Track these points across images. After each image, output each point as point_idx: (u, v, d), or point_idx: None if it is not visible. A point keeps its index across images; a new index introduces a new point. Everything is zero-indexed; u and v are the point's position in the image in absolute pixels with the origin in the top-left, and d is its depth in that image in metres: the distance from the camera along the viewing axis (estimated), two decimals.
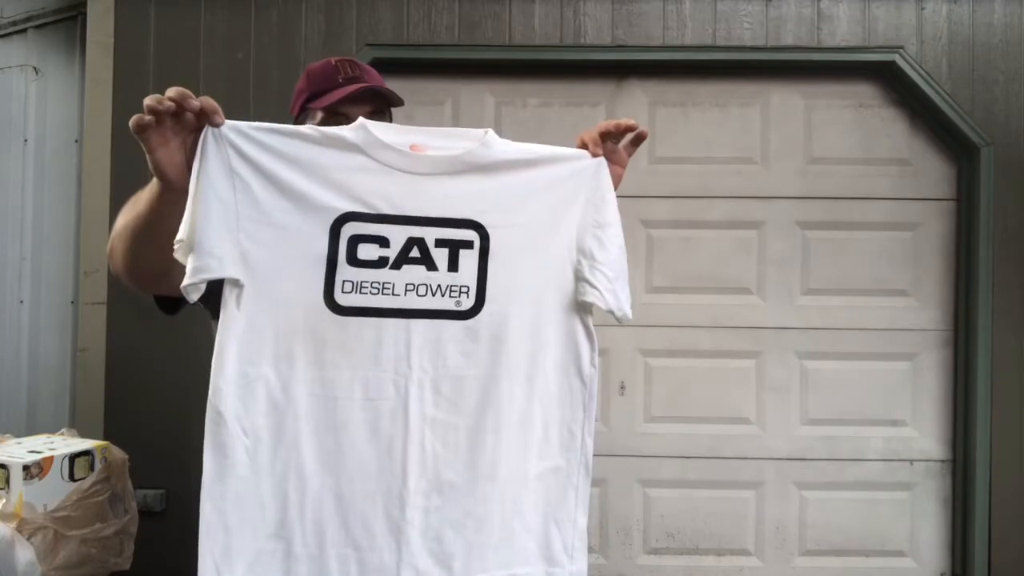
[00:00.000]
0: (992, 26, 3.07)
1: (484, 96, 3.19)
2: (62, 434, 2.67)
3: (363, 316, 1.16)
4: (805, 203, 3.17)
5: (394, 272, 1.17)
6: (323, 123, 1.45)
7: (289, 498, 1.14)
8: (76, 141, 3.33)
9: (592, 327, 1.28)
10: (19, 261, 3.45)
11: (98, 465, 2.46)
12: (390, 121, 1.52)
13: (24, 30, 3.46)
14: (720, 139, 3.18)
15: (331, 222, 1.15)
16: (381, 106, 1.51)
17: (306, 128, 1.18)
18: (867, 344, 3.14)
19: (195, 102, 1.09)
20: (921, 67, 3.05)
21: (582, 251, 1.25)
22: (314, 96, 1.50)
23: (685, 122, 3.19)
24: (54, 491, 2.33)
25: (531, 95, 3.19)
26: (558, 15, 3.08)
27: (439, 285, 1.19)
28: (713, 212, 3.17)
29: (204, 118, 1.11)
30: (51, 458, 2.35)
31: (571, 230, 1.25)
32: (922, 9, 3.07)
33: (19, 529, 2.16)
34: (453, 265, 1.19)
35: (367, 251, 1.16)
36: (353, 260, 1.16)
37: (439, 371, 1.19)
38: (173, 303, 1.37)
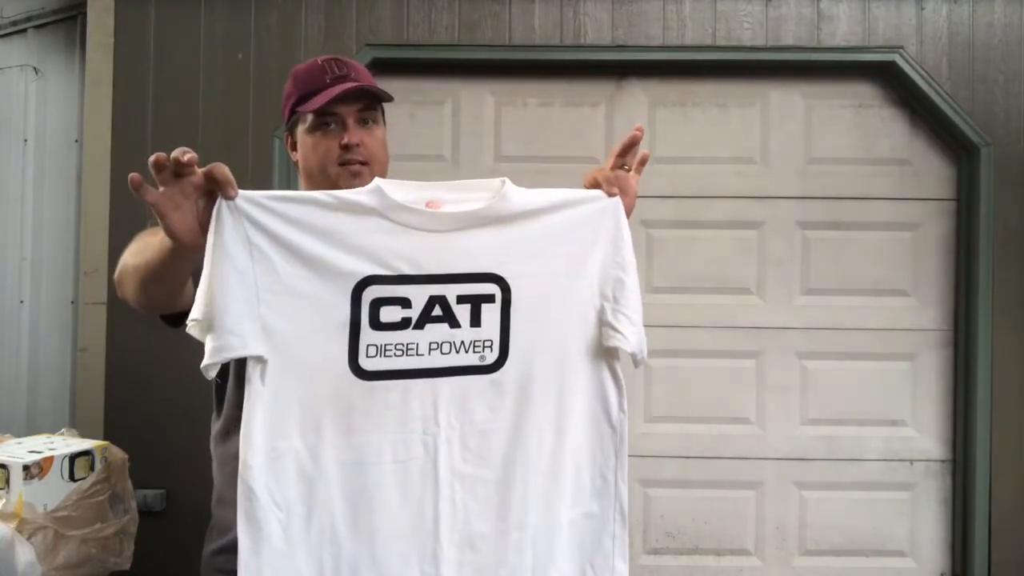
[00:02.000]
0: (992, 26, 3.07)
1: (484, 96, 3.19)
2: (62, 434, 2.67)
3: (389, 379, 1.16)
4: (805, 203, 3.17)
5: (417, 332, 1.17)
6: (313, 125, 1.43)
7: (324, 564, 1.14)
8: (76, 141, 3.33)
9: (619, 372, 1.27)
10: (19, 261, 3.45)
11: (98, 465, 2.46)
12: (382, 116, 1.50)
13: (24, 30, 3.46)
14: (720, 139, 3.17)
15: (352, 287, 1.13)
16: (371, 104, 1.47)
17: (320, 194, 1.16)
18: (867, 344, 3.14)
19: (194, 167, 1.07)
20: (921, 67, 3.05)
21: (604, 295, 1.26)
22: (302, 99, 1.45)
23: (685, 122, 3.19)
24: (54, 491, 2.33)
25: (531, 95, 3.19)
26: (558, 15, 3.08)
27: (463, 341, 1.19)
28: (713, 212, 3.17)
29: (215, 186, 1.10)
30: (51, 458, 2.35)
31: (592, 275, 1.26)
32: (922, 9, 3.07)
33: (19, 529, 2.16)
34: (475, 320, 1.19)
35: (389, 313, 1.15)
36: (376, 324, 1.14)
37: (466, 427, 1.19)
38: (177, 317, 1.37)
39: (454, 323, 1.18)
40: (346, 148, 1.41)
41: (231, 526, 1.38)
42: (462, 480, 1.18)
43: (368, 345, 1.14)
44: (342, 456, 1.15)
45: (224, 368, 1.17)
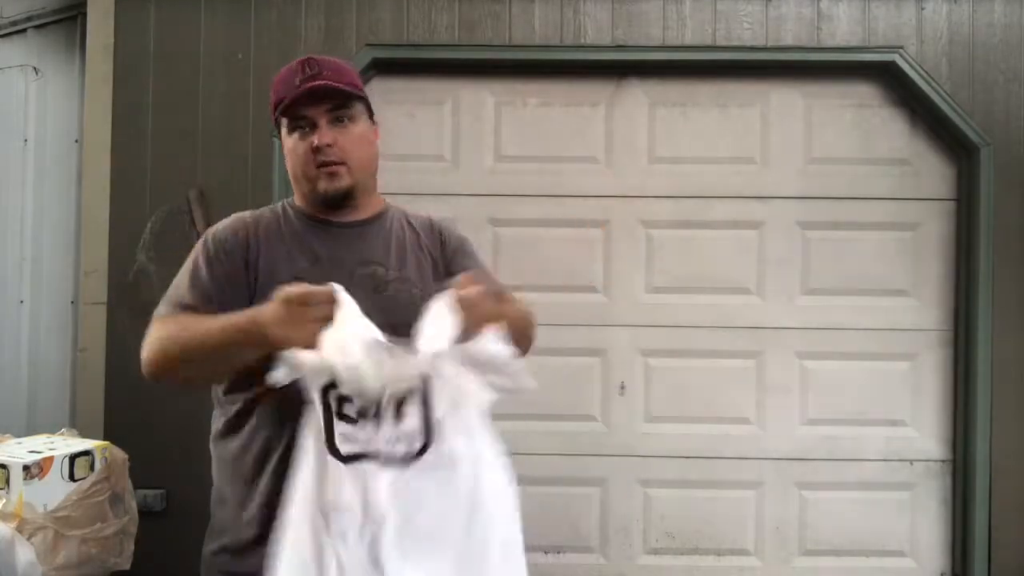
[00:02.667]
0: (992, 26, 3.07)
1: (484, 96, 3.19)
2: (62, 434, 2.67)
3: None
4: (805, 203, 3.17)
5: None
6: (288, 129, 1.43)
7: None
8: (76, 141, 3.33)
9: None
10: (19, 261, 3.45)
11: (98, 465, 2.46)
12: (366, 112, 1.48)
13: (24, 30, 3.46)
14: (720, 139, 3.17)
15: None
16: (344, 102, 1.43)
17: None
18: (867, 344, 3.14)
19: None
20: (921, 67, 3.05)
21: None
22: (278, 104, 1.43)
23: (685, 122, 3.19)
24: (54, 491, 2.33)
25: (531, 95, 3.19)
26: (558, 15, 3.08)
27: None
28: (713, 212, 3.17)
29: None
30: (51, 458, 2.35)
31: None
32: (922, 9, 3.07)
33: (19, 529, 2.16)
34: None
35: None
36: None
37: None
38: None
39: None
40: (317, 150, 1.40)
41: (230, 526, 1.38)
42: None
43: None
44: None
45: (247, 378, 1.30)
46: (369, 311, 1.26)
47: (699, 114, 3.19)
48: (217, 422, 1.45)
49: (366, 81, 2.81)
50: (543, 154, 3.17)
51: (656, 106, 3.20)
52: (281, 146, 1.52)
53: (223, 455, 1.42)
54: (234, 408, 1.40)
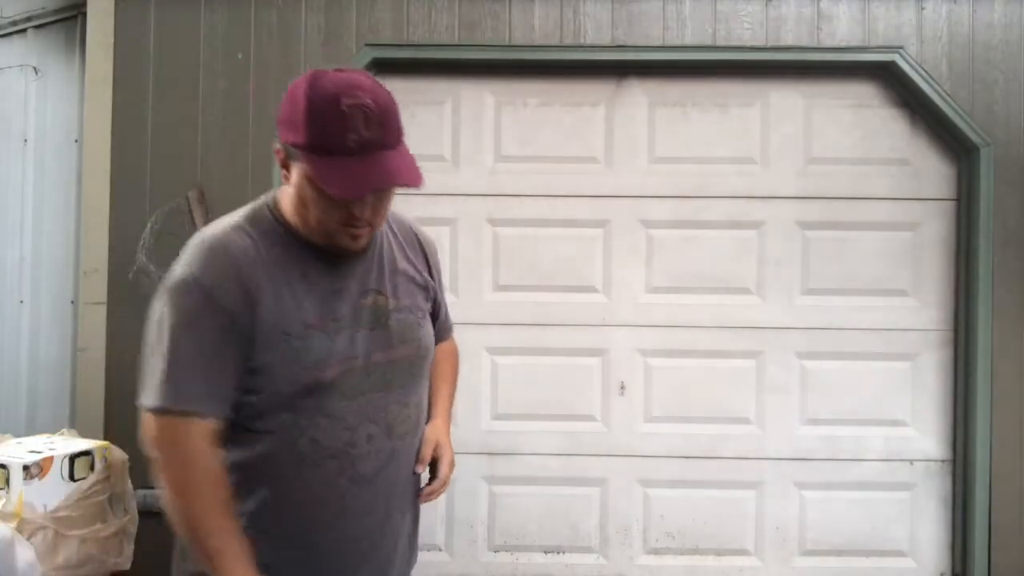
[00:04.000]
0: (992, 26, 3.07)
1: (484, 96, 3.19)
2: (62, 434, 2.67)
3: None
4: (805, 203, 3.17)
5: None
6: (320, 193, 1.21)
7: None
8: (76, 141, 3.32)
9: None
10: (19, 261, 3.44)
11: (98, 465, 2.46)
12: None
13: (24, 30, 3.46)
14: (720, 139, 3.17)
15: None
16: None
17: None
18: (867, 344, 3.14)
19: None
20: (921, 67, 3.05)
21: None
22: (314, 149, 1.18)
23: (685, 122, 3.19)
24: (54, 491, 2.33)
25: (531, 95, 3.19)
26: (558, 15, 3.08)
27: None
28: (713, 212, 3.17)
29: None
30: (51, 458, 2.35)
31: None
32: (922, 9, 3.07)
33: (19, 529, 2.16)
34: None
35: None
36: None
37: None
38: None
39: None
40: (354, 219, 1.24)
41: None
42: None
43: None
44: None
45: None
46: (370, 345, 1.30)
47: (699, 114, 3.19)
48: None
49: None
50: (543, 154, 3.17)
51: (656, 106, 3.20)
52: (276, 154, 1.29)
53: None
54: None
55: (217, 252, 1.25)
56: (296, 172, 1.25)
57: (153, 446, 1.25)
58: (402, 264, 1.42)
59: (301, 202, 1.26)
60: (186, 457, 1.22)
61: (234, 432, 1.27)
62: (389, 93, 1.25)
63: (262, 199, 1.36)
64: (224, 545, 1.20)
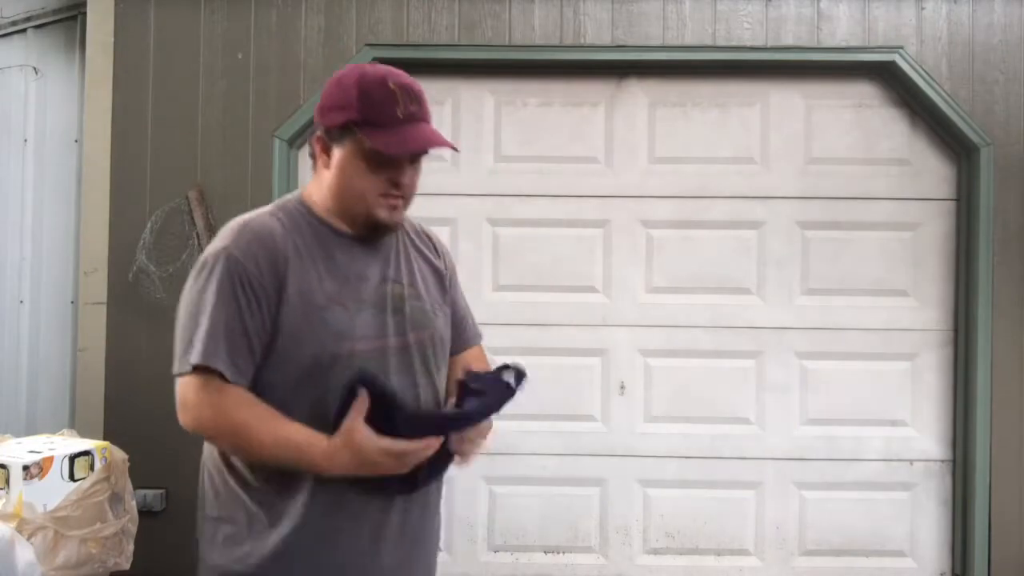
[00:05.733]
0: (992, 26, 3.07)
1: (484, 96, 3.19)
2: (62, 434, 2.67)
3: None
4: (805, 203, 3.17)
5: None
6: (368, 155, 1.35)
7: None
8: (76, 141, 3.33)
9: None
10: (19, 261, 3.44)
11: (98, 465, 2.46)
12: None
13: (24, 30, 3.46)
14: (720, 139, 3.17)
15: None
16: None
17: None
18: (867, 344, 3.14)
19: None
20: (921, 67, 3.05)
21: None
22: (367, 123, 1.34)
23: (685, 122, 3.19)
24: (54, 491, 2.33)
25: (531, 95, 3.19)
26: (558, 15, 3.08)
27: None
28: (713, 212, 3.17)
29: None
30: (51, 458, 2.35)
31: None
32: (922, 9, 3.07)
33: (19, 529, 2.16)
34: None
35: None
36: None
37: None
38: None
39: None
40: (396, 186, 1.38)
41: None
42: None
43: None
44: None
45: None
46: (390, 329, 1.37)
47: (699, 114, 3.19)
48: None
49: None
50: (543, 154, 3.17)
51: (656, 106, 3.20)
52: (314, 143, 1.41)
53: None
54: None
55: (249, 229, 1.36)
56: (340, 152, 1.37)
57: (194, 406, 1.30)
58: (418, 260, 1.52)
59: (343, 179, 1.38)
60: (230, 401, 1.29)
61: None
62: (418, 84, 1.45)
63: (288, 196, 1.48)
64: (297, 435, 1.27)
